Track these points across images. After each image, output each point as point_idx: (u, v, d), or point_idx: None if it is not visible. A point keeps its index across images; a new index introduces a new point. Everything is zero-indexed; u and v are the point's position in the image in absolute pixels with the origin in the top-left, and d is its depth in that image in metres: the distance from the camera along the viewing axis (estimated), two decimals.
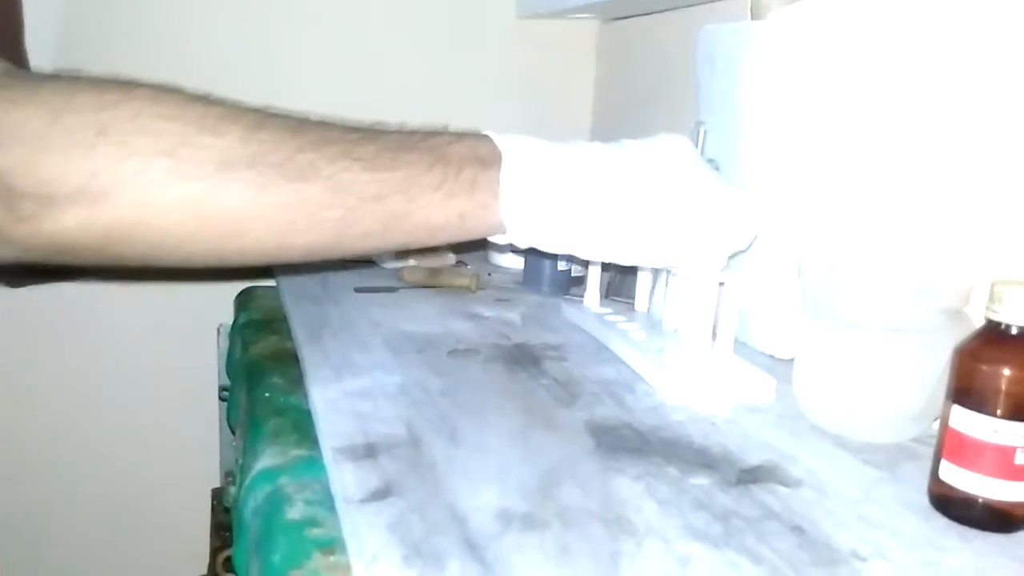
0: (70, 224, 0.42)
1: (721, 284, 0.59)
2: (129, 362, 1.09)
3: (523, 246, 0.53)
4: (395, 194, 0.47)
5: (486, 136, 0.51)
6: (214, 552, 0.82)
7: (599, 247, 0.53)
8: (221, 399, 0.96)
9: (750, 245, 0.58)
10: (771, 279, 0.63)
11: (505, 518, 0.39)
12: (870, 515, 0.42)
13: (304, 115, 0.48)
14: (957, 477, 0.41)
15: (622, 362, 0.63)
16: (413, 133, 0.50)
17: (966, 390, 0.41)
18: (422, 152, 0.48)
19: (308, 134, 0.46)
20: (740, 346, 0.63)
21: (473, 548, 0.37)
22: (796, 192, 0.60)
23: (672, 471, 0.45)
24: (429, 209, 0.48)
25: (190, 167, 0.42)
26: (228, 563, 0.57)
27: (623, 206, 0.52)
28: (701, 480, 0.44)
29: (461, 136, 0.51)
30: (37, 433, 1.08)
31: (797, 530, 0.40)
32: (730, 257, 0.57)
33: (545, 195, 0.50)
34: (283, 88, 1.06)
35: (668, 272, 0.64)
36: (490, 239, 0.52)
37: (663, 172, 0.53)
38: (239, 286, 0.98)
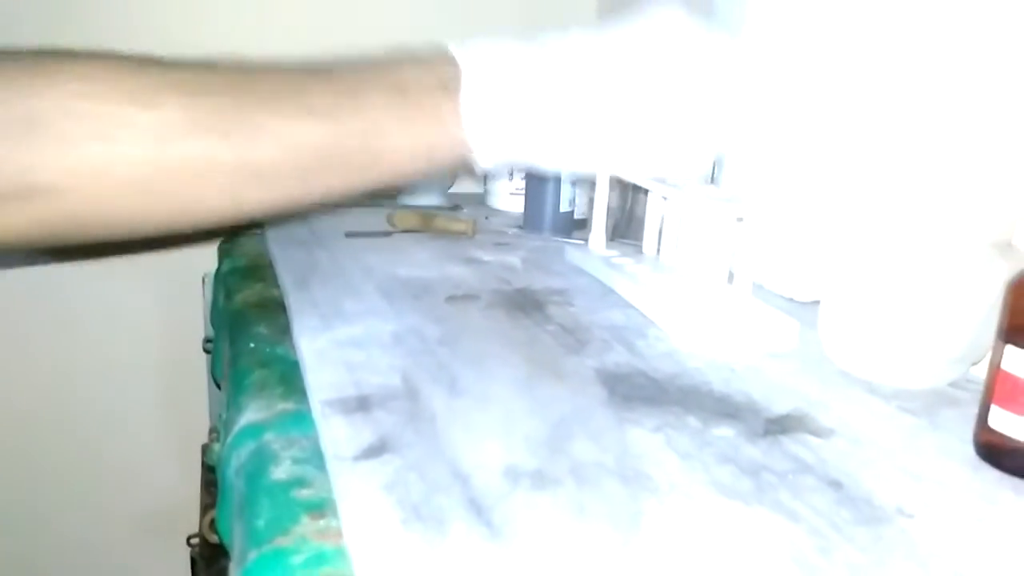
0: (12, 222, 0.40)
1: (739, 220, 0.55)
2: (113, 314, 1.05)
3: (494, 167, 0.49)
4: (356, 145, 0.44)
5: (448, 52, 0.47)
6: (204, 510, 0.79)
7: (576, 155, 0.49)
8: (205, 351, 0.92)
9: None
10: (790, 216, 0.58)
11: (513, 476, 0.35)
12: (912, 467, 0.38)
13: (254, 60, 0.44)
14: (1009, 424, 0.37)
15: (631, 306, 0.59)
16: (372, 64, 0.46)
17: (1022, 328, 0.37)
18: (381, 90, 0.44)
19: (255, 91, 0.42)
20: (755, 289, 0.59)
21: (479, 510, 0.33)
22: (825, 121, 0.55)
23: (693, 421, 0.41)
24: (393, 151, 0.45)
25: (129, 149, 0.40)
26: (214, 524, 0.53)
27: (604, 110, 0.47)
28: (725, 431, 0.41)
29: (422, 58, 0.46)
30: (22, 387, 1.04)
31: (835, 485, 0.36)
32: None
33: (513, 112, 0.46)
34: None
35: (680, 211, 0.60)
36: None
37: (649, 64, 0.47)
38: (223, 233, 0.93)
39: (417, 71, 0.46)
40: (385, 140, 0.44)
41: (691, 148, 0.49)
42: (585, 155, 0.49)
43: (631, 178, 0.57)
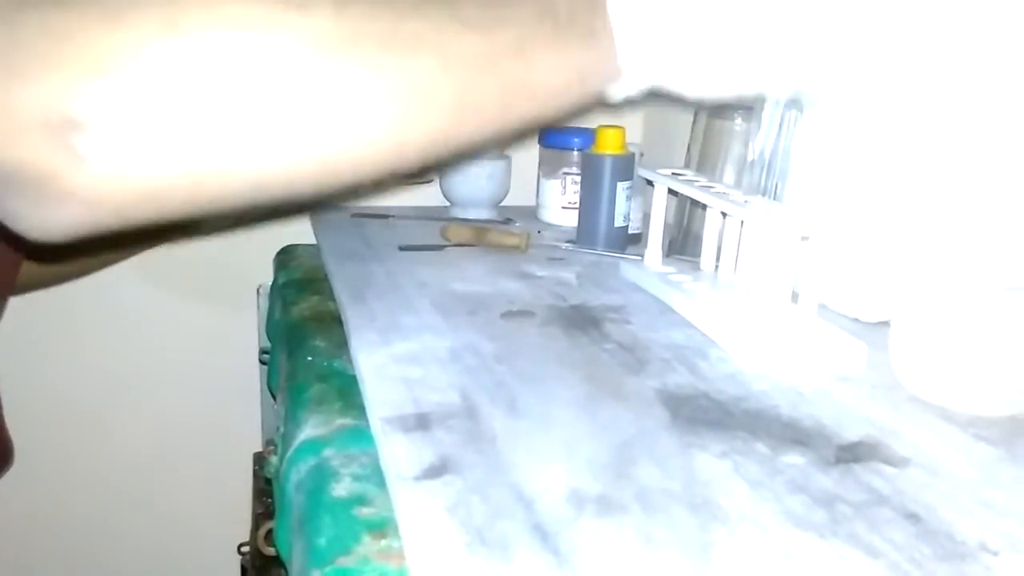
0: (150, 157, 0.33)
1: (804, 238, 0.54)
2: (168, 323, 1.07)
3: (637, 95, 0.44)
4: (510, 58, 0.39)
5: None
6: (256, 520, 0.79)
7: (746, 71, 0.44)
8: (261, 362, 0.93)
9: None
10: (858, 235, 0.57)
11: (577, 501, 0.35)
12: (993, 500, 0.36)
13: None
14: None
15: (690, 325, 0.58)
16: None
17: None
18: (528, 2, 0.39)
19: None
20: (819, 309, 0.57)
21: (544, 535, 0.32)
22: (900, 135, 0.54)
23: (761, 448, 0.40)
24: (546, 71, 0.40)
25: (285, 57, 0.34)
26: (270, 537, 0.53)
27: (756, 20, 0.42)
28: (795, 458, 0.39)
29: None
30: (78, 392, 1.07)
31: (913, 517, 0.35)
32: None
33: (663, 23, 0.42)
34: None
35: (740, 228, 0.59)
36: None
37: None
38: (278, 244, 0.94)
39: None
40: (538, 58, 0.40)
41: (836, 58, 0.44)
42: (738, 72, 0.44)
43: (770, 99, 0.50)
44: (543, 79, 0.40)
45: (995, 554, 0.33)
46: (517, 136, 0.44)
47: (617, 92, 0.43)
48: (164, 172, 0.34)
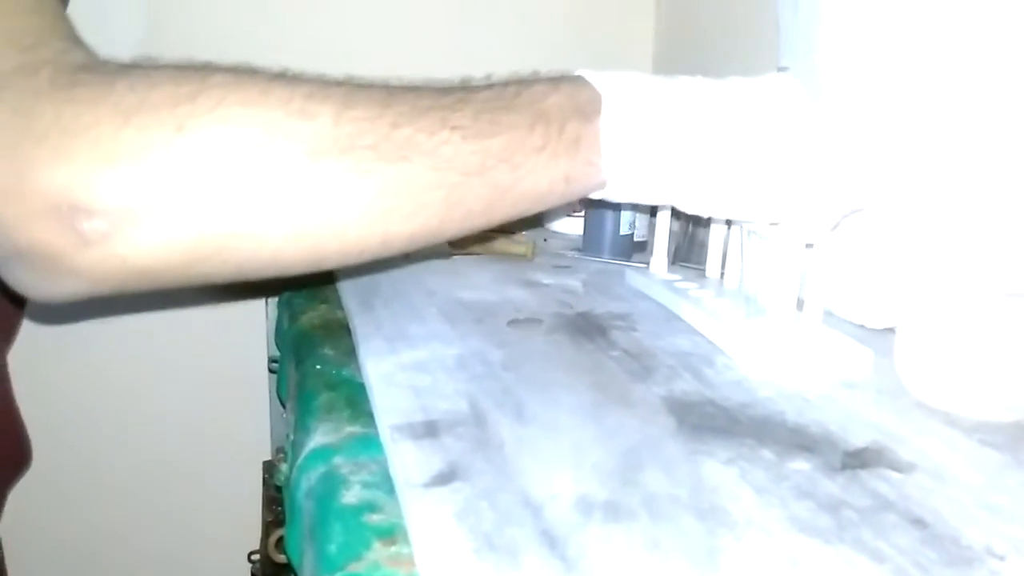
0: (148, 243, 0.36)
1: (809, 246, 0.54)
2: (179, 334, 1.07)
3: (623, 200, 0.47)
4: (499, 164, 0.41)
5: (582, 79, 0.45)
6: (266, 528, 0.80)
7: (708, 198, 0.47)
8: (270, 371, 0.93)
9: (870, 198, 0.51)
10: (863, 241, 0.57)
11: (585, 507, 0.35)
12: (999, 505, 0.37)
13: (384, 81, 0.42)
14: None
15: (696, 333, 0.58)
16: (506, 86, 0.44)
17: None
18: (521, 111, 0.42)
19: (400, 104, 0.40)
20: (825, 315, 0.58)
21: (552, 541, 0.32)
22: (892, 145, 0.54)
23: (767, 454, 0.40)
24: (534, 176, 0.43)
25: (281, 160, 0.37)
26: (280, 544, 0.54)
27: (737, 149, 0.45)
28: (801, 464, 0.40)
29: (557, 83, 0.44)
30: (88, 400, 1.07)
31: (919, 523, 0.35)
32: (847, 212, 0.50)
33: (652, 143, 0.44)
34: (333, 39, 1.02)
35: (744, 235, 0.59)
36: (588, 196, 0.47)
37: (777, 112, 0.46)
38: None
39: (555, 95, 0.44)
40: (526, 164, 0.42)
41: (807, 198, 0.48)
42: (713, 196, 0.47)
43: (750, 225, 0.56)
44: (530, 183, 0.43)
45: (1001, 559, 0.33)
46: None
47: (598, 196, 0.46)
48: (162, 256, 0.37)
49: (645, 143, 0.44)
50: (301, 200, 0.38)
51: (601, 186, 0.45)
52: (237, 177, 0.36)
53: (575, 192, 0.45)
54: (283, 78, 0.39)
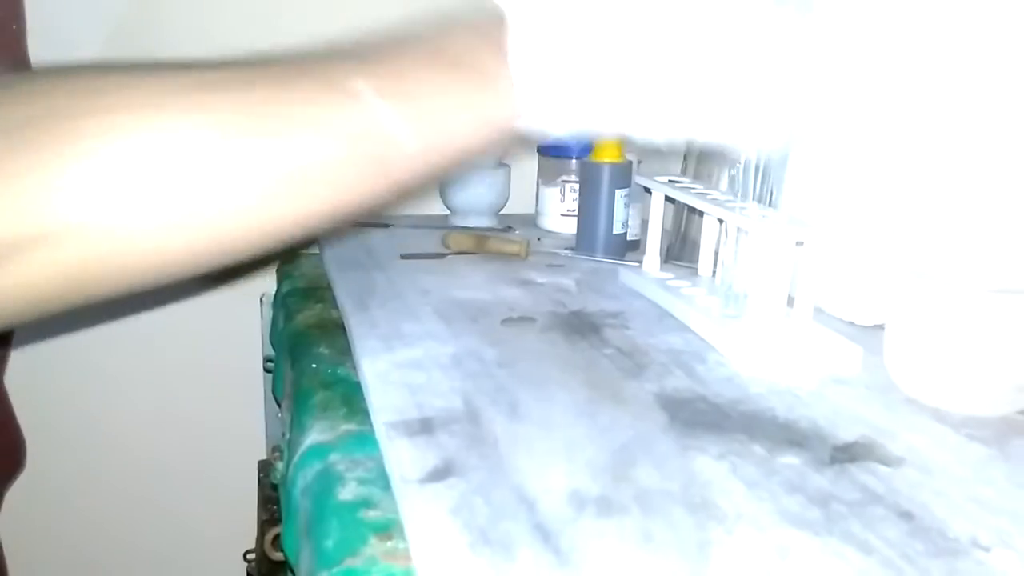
0: (28, 271, 0.33)
1: (799, 244, 0.55)
2: (175, 333, 1.08)
3: (553, 132, 0.43)
4: (412, 131, 0.39)
5: (495, 9, 0.41)
6: (262, 527, 0.80)
7: (645, 119, 0.43)
8: (266, 370, 0.94)
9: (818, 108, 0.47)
10: (853, 239, 0.58)
11: (578, 502, 0.36)
12: (985, 498, 0.37)
13: (269, 54, 0.39)
14: None
15: (688, 330, 0.59)
16: (416, 36, 0.41)
17: None
18: (432, 63, 0.39)
19: (293, 83, 0.37)
20: (815, 312, 0.58)
21: (546, 535, 0.33)
22: (885, 138, 0.55)
23: (758, 449, 0.41)
24: (456, 134, 0.40)
25: (184, 159, 0.34)
26: (277, 542, 0.54)
27: (662, 63, 0.41)
28: (791, 459, 0.40)
29: (470, 23, 0.41)
30: (81, 400, 1.08)
31: (906, 516, 0.36)
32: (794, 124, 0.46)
33: (568, 67, 0.41)
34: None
35: (736, 233, 0.59)
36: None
37: (714, 19, 0.42)
38: (280, 254, 0.95)
39: (465, 37, 0.41)
40: (446, 120, 0.40)
41: (750, 114, 0.43)
42: (648, 115, 0.43)
43: (700, 140, 0.50)
44: (451, 137, 0.40)
45: (987, 550, 0.33)
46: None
47: (539, 133, 0.42)
48: (42, 285, 0.34)
49: (558, 68, 0.41)
50: (209, 195, 0.35)
51: (531, 124, 0.42)
52: (137, 189, 0.34)
53: (503, 133, 0.42)
54: (169, 71, 0.36)
